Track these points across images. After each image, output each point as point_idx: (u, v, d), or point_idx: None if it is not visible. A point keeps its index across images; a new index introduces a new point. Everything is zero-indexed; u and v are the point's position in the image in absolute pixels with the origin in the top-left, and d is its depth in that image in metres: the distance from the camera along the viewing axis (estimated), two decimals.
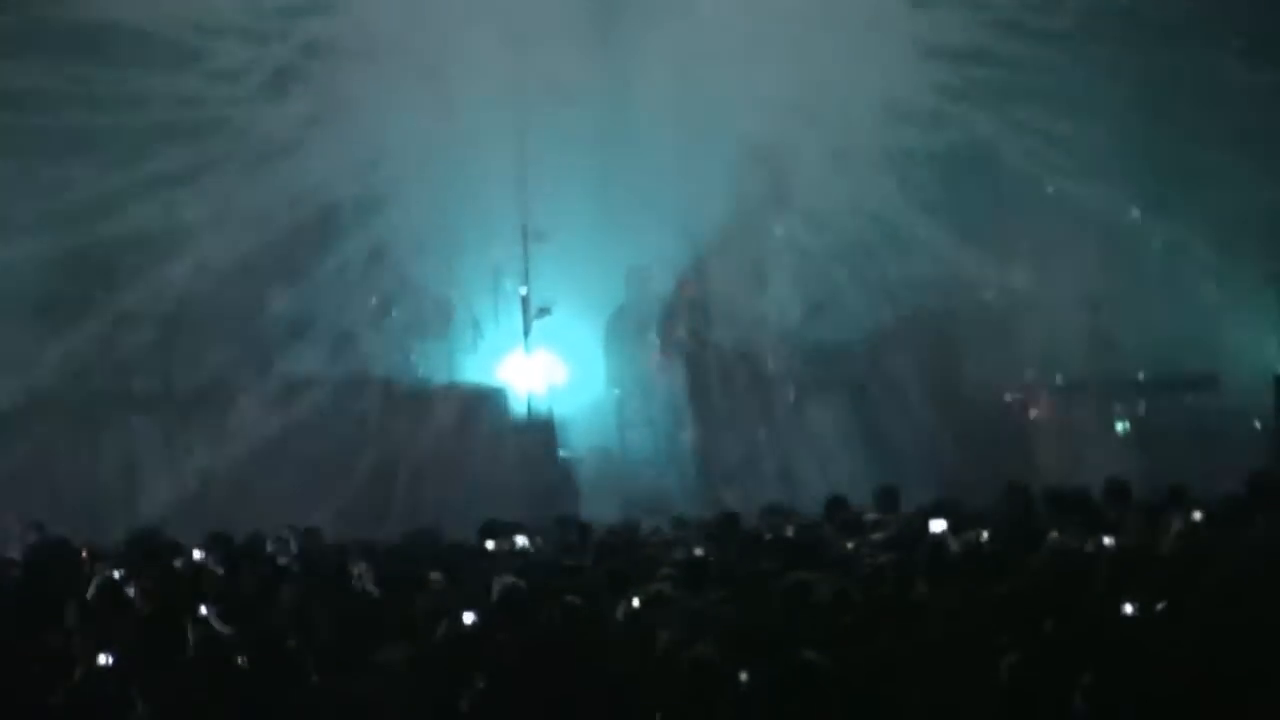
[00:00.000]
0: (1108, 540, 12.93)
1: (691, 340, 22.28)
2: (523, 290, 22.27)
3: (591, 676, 10.44)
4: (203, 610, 12.13)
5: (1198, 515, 13.53)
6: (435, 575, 13.21)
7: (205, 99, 23.78)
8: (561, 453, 21.15)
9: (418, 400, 21.61)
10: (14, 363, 21.82)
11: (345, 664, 10.80)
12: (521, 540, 15.24)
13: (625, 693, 10.25)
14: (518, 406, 21.64)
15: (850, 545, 13.94)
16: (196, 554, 15.01)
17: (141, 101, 23.56)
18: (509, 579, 12.11)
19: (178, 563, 14.62)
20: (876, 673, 9.95)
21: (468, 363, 23.18)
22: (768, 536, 14.90)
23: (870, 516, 15.60)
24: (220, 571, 14.30)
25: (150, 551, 15.63)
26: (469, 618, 11.56)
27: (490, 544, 15.01)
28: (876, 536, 14.24)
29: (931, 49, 23.21)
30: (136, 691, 10.45)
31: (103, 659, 10.88)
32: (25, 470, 21.30)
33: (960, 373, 22.57)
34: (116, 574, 13.38)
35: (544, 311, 22.17)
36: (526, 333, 22.20)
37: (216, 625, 11.65)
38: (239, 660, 10.76)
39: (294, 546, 15.67)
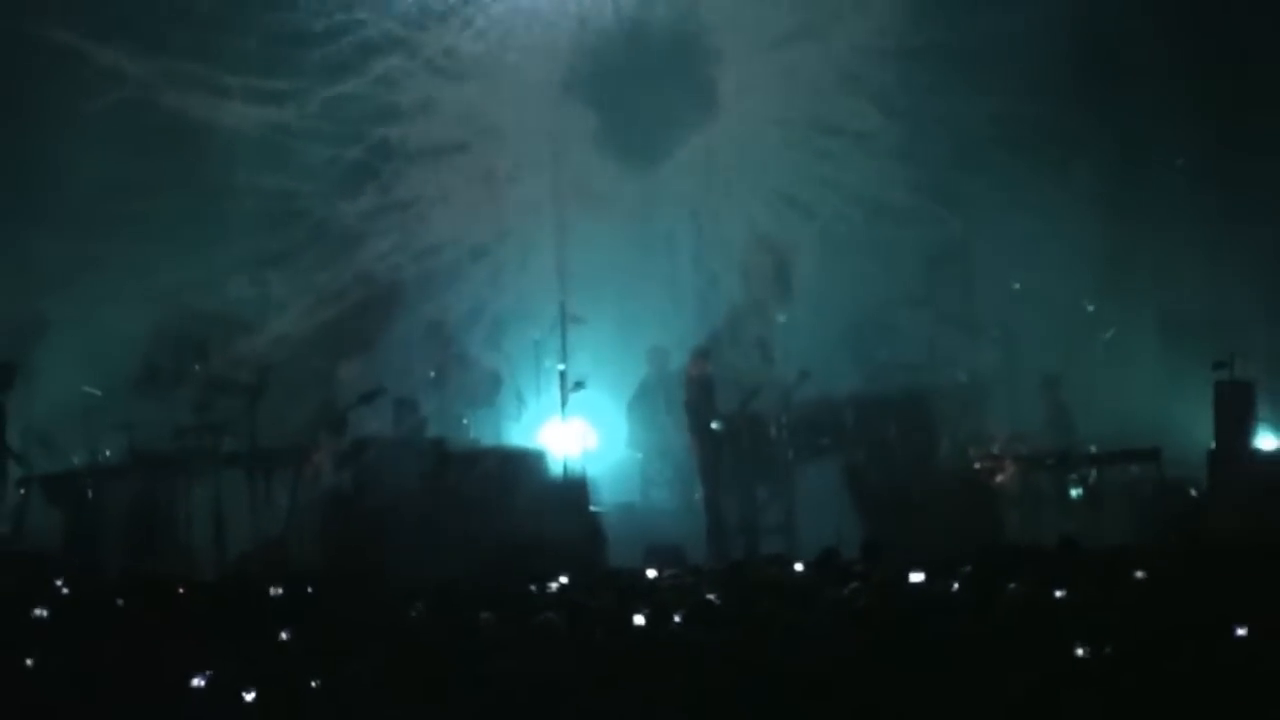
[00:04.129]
0: (1059, 593, 12.87)
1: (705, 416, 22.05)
2: (560, 366, 22.14)
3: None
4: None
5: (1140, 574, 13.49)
6: (485, 614, 13.23)
7: (290, 192, 23.93)
8: (592, 507, 20.95)
9: (468, 459, 21.34)
10: (120, 423, 21.85)
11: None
12: (556, 583, 15.16)
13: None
14: (555, 466, 21.39)
15: (844, 591, 13.70)
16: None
17: (234, 193, 23.73)
18: (549, 614, 12.28)
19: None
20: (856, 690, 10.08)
21: (512, 428, 23.34)
22: (769, 582, 14.81)
23: (858, 567, 15.40)
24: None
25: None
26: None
27: (532, 587, 14.94)
28: (860, 585, 14.13)
29: (911, 156, 23.25)
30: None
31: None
32: (129, 515, 21.24)
33: (936, 442, 22.42)
34: None
35: (578, 385, 21.99)
36: (563, 403, 22.03)
37: None
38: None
39: None
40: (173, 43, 23.69)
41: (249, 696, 10.60)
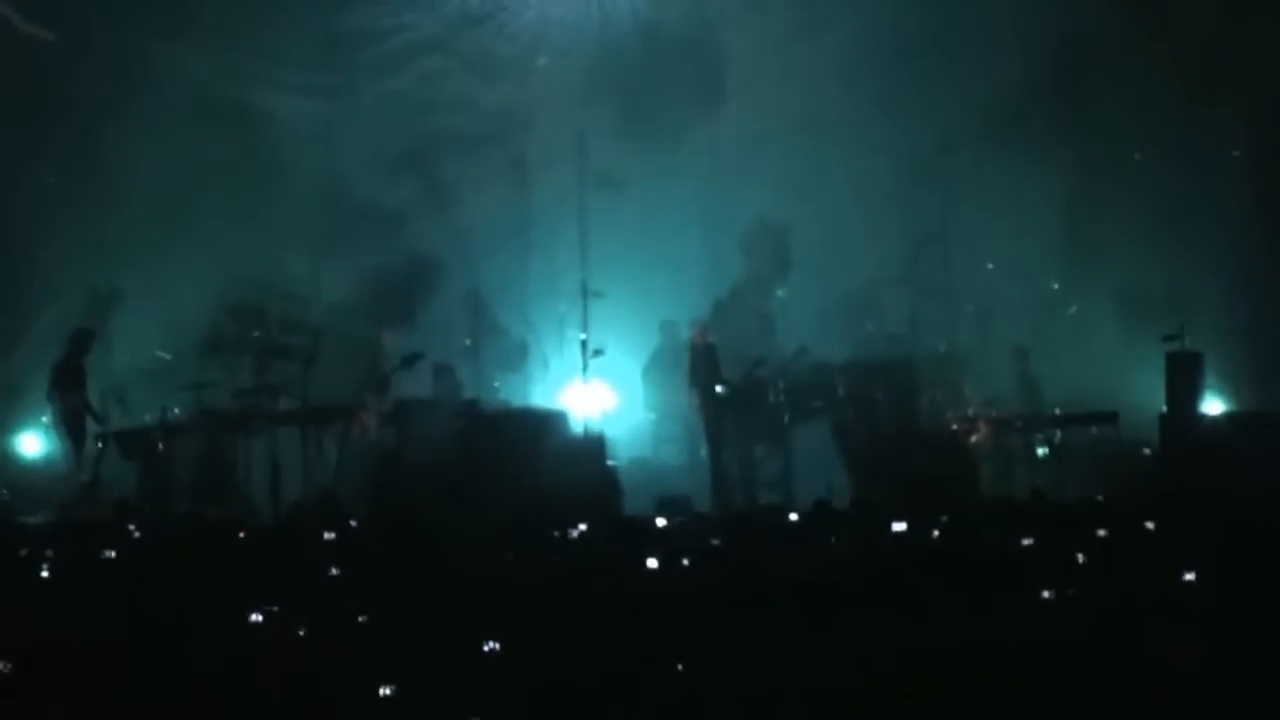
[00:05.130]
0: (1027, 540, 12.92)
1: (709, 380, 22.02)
2: (582, 336, 22.16)
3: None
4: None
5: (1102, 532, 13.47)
6: (510, 556, 13.32)
7: (341, 177, 23.93)
8: (609, 462, 20.96)
9: (499, 418, 21.40)
10: (188, 384, 21.84)
11: None
12: (576, 530, 15.21)
13: None
14: (576, 426, 21.42)
15: (833, 538, 13.91)
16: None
17: (290, 178, 23.73)
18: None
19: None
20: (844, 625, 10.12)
21: (538, 391, 23.41)
22: (767, 529, 14.94)
23: (847, 516, 15.45)
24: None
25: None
26: None
27: (555, 532, 14.99)
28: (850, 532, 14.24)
29: (898, 148, 23.17)
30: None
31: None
32: (195, 467, 21.35)
33: (917, 406, 22.37)
34: None
35: (598, 353, 22.01)
36: (584, 369, 22.09)
37: None
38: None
39: None
40: (237, 42, 23.65)
41: (302, 630, 10.59)
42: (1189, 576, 10.94)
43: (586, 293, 22.36)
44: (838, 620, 10.23)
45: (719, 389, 21.86)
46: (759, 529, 15.03)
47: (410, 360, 21.88)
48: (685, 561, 12.61)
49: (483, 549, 13.59)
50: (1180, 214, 22.94)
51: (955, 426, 22.19)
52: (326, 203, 23.81)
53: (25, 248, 23.07)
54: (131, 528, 16.05)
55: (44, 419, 22.36)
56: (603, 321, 22.53)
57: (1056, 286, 23.60)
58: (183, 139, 22.99)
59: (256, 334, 22.58)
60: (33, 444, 22.70)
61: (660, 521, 15.99)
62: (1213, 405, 21.74)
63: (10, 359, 22.89)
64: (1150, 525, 13.74)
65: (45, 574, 12.54)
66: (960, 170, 23.02)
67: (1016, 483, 20.94)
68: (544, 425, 21.10)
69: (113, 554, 13.71)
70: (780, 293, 23.79)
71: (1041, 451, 21.88)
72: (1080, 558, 12.18)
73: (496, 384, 23.32)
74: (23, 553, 14.15)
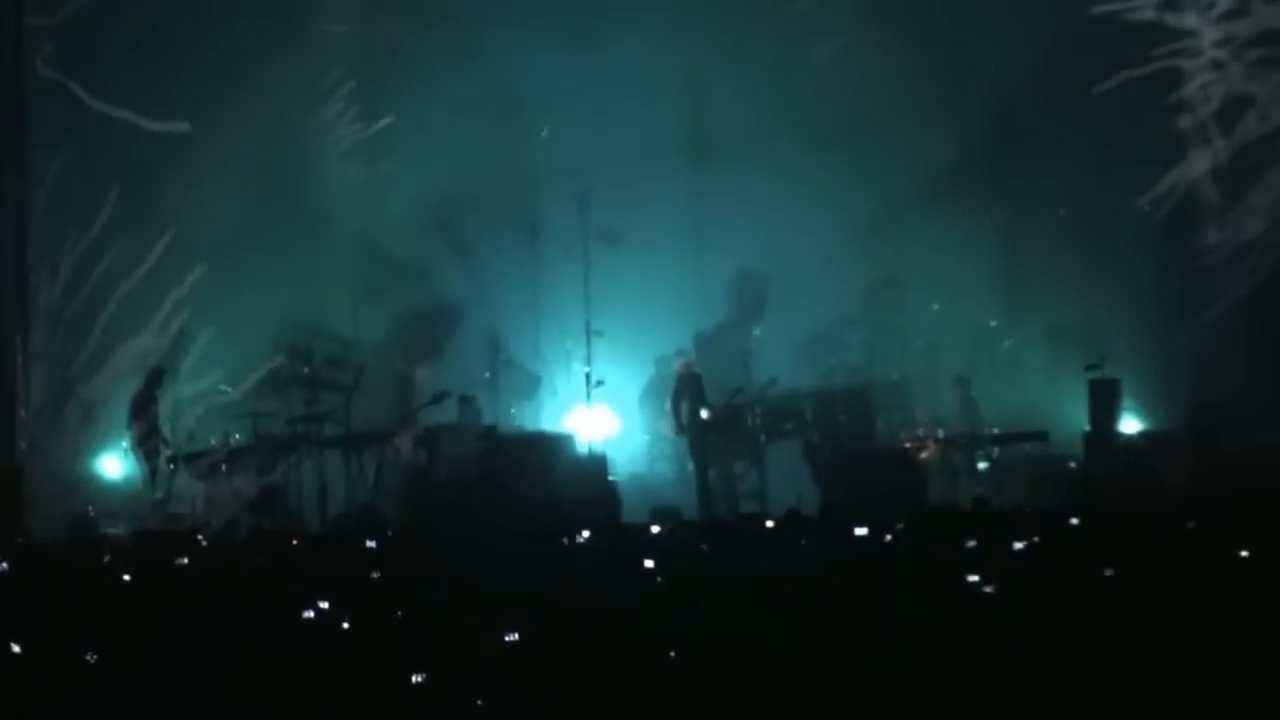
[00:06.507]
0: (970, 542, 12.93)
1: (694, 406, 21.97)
2: (586, 369, 22.22)
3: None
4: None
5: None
6: (524, 558, 13.16)
7: (377, 234, 23.81)
8: (610, 478, 20.97)
9: (514, 441, 21.42)
10: (246, 413, 21.89)
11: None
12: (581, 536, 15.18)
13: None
14: (581, 447, 21.48)
15: (803, 542, 13.94)
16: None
17: (333, 233, 23.59)
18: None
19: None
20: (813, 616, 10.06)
21: (548, 417, 23.32)
22: (746, 535, 14.85)
23: (815, 523, 15.42)
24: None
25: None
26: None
27: (565, 540, 14.92)
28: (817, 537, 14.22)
29: (858, 208, 23.07)
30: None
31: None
32: (255, 484, 21.36)
33: (874, 427, 22.40)
34: None
35: (600, 383, 22.10)
36: (588, 397, 22.16)
37: None
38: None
39: None
40: (293, 116, 23.55)
41: (346, 625, 10.58)
42: (1109, 572, 10.89)
43: (590, 332, 22.37)
44: (806, 613, 10.12)
45: (704, 413, 21.84)
46: (739, 534, 14.99)
47: (438, 398, 21.91)
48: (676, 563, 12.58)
49: (501, 552, 13.56)
50: (1099, 261, 22.86)
51: (907, 445, 22.17)
52: (366, 256, 23.76)
53: (107, 294, 22.98)
54: (200, 538, 16.02)
55: (123, 444, 22.32)
56: (604, 356, 22.55)
57: (993, 324, 23.48)
58: (246, 200, 22.88)
59: (306, 370, 22.55)
60: (113, 466, 22.65)
61: (654, 529, 15.95)
62: (1129, 424, 21.72)
63: (95, 392, 22.83)
64: (1075, 523, 13.79)
65: (126, 578, 12.50)
66: (909, 226, 22.92)
67: (961, 493, 20.88)
68: (553, 446, 21.19)
69: (184, 560, 13.68)
70: (757, 331, 23.72)
71: (982, 466, 21.87)
72: (1015, 554, 12.21)
73: (513, 411, 23.27)
74: (106, 559, 14.18)
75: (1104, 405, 21.06)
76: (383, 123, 24.06)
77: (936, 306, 23.58)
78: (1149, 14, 22.89)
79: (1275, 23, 22.65)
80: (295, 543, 15.11)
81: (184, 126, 22.73)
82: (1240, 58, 22.76)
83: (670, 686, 9.09)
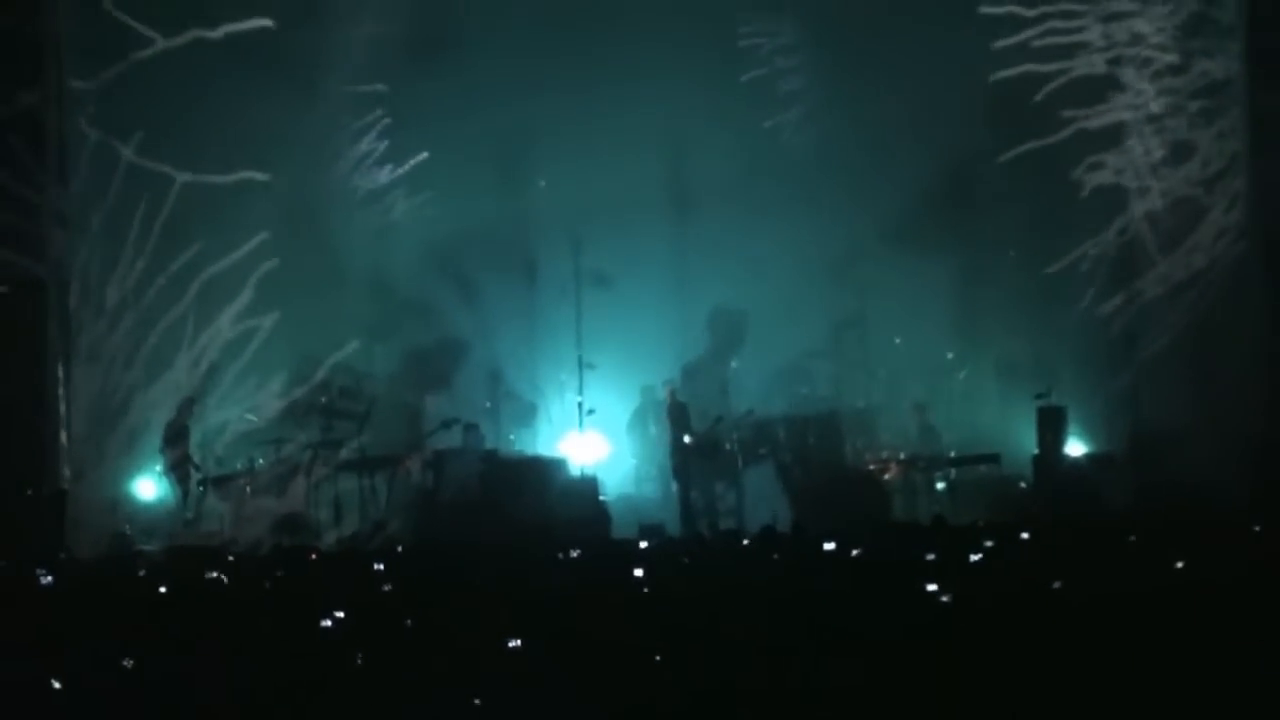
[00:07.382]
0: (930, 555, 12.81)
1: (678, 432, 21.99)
2: (579, 398, 22.24)
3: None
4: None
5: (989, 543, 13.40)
6: (523, 572, 13.10)
7: (388, 275, 23.73)
8: (600, 498, 20.93)
9: (514, 464, 21.39)
10: (269, 440, 21.88)
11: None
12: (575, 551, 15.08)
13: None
14: (574, 469, 21.46)
15: (775, 556, 13.81)
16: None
17: (348, 275, 23.55)
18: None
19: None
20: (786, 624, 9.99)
21: (544, 442, 23.25)
22: (725, 550, 14.79)
23: (787, 539, 15.31)
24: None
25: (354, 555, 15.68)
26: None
27: (560, 555, 14.79)
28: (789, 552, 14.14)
29: (825, 251, 23.08)
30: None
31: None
32: (278, 504, 21.37)
33: (842, 450, 22.37)
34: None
35: (591, 412, 22.14)
36: (580, 424, 22.20)
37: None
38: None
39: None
40: (316, 164, 23.53)
41: (361, 633, 10.46)
42: (1055, 585, 10.86)
43: (582, 364, 22.31)
44: (777, 621, 10.08)
45: (686, 439, 21.85)
46: (719, 549, 14.96)
47: (447, 424, 21.93)
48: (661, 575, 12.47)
49: (502, 566, 13.40)
50: (1046, 299, 22.98)
51: (872, 466, 22.18)
52: (378, 297, 23.71)
53: (145, 332, 22.89)
54: (228, 554, 15.93)
55: (157, 468, 22.25)
56: (595, 387, 22.51)
57: (950, 356, 23.56)
58: (267, 246, 22.84)
59: (324, 400, 22.57)
60: (148, 488, 22.56)
61: (642, 543, 15.77)
62: (1074, 447, 21.74)
63: (132, 422, 22.77)
64: (1025, 537, 13.72)
65: (161, 590, 12.45)
66: (872, 268, 23.02)
67: (921, 510, 20.87)
68: (549, 469, 21.16)
69: (214, 574, 13.63)
70: (734, 363, 23.69)
71: (940, 486, 21.85)
72: (971, 566, 12.08)
73: (512, 437, 23.20)
74: (141, 573, 14.12)
75: (1051, 430, 21.08)
76: (394, 175, 24.04)
77: (898, 340, 23.64)
78: (1098, 68, 23.00)
79: (1215, 78, 22.75)
80: (313, 557, 14.94)
81: (215, 179, 22.71)
82: (1181, 110, 22.87)
83: (657, 685, 9.05)
